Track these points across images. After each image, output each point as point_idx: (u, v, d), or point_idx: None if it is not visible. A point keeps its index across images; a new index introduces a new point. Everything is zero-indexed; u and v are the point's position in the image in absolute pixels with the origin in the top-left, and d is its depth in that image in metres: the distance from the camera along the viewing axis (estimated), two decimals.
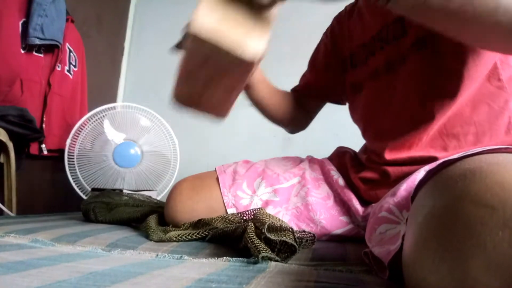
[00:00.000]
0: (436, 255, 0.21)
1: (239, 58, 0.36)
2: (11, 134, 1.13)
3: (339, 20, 0.72)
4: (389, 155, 0.53)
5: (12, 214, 1.15)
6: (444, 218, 0.23)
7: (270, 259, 0.38)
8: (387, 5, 0.33)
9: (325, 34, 0.76)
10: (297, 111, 0.76)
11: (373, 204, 0.56)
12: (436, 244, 0.22)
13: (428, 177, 0.31)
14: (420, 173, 0.39)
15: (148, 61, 2.05)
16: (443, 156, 0.47)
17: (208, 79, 0.43)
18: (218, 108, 0.52)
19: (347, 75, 0.67)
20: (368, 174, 0.58)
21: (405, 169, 0.51)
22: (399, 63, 0.54)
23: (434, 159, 0.48)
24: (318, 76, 0.75)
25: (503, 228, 0.19)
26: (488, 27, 0.33)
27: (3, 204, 1.15)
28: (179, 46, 0.52)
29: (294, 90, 0.79)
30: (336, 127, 1.34)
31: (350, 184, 0.62)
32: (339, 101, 0.76)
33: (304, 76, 0.79)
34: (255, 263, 0.37)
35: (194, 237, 0.53)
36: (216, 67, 0.40)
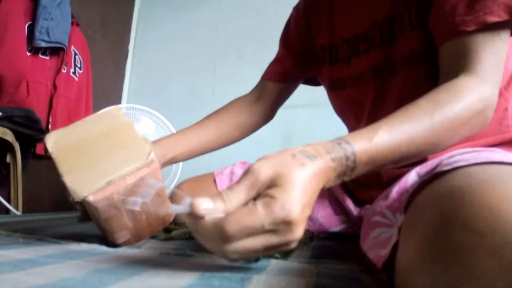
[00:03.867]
0: (428, 279, 0.21)
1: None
2: (17, 135, 1.15)
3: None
4: None
5: (18, 213, 1.16)
6: (435, 243, 0.22)
7: (271, 257, 0.39)
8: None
9: (296, 9, 0.67)
10: (255, 118, 0.71)
11: (367, 206, 0.56)
12: (428, 269, 0.22)
13: (421, 187, 0.31)
14: (411, 175, 0.38)
15: (152, 64, 2.07)
16: (433, 156, 0.45)
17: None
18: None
19: (324, 69, 0.62)
20: (361, 178, 0.57)
21: (397, 171, 0.49)
22: (387, 73, 0.50)
23: (424, 159, 0.46)
24: (294, 61, 0.67)
25: (492, 256, 0.18)
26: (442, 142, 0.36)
27: (9, 203, 1.16)
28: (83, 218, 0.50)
29: (265, 79, 0.71)
30: (336, 127, 1.34)
31: (343, 185, 0.62)
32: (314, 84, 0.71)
33: (277, 60, 0.70)
34: (257, 260, 0.38)
35: None
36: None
